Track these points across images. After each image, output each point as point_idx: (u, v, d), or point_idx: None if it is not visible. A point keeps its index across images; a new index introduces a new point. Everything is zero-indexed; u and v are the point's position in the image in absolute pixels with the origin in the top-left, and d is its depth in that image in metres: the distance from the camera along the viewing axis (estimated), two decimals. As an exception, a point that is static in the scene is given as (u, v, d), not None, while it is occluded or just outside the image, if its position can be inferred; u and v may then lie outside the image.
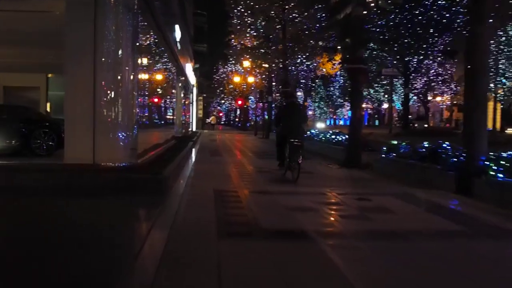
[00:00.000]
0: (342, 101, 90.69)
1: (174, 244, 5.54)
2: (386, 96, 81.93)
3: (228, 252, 5.29)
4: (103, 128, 9.89)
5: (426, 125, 52.76)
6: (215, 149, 23.98)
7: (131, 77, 10.39)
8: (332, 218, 7.53)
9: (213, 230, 6.20)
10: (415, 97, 57.90)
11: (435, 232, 6.65)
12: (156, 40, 17.59)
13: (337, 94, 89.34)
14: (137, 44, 11.72)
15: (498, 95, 40.14)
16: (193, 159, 17.70)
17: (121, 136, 10.05)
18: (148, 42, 15.92)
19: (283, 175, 12.15)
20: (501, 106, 43.41)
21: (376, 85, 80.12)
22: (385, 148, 14.87)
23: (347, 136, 19.64)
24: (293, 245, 5.76)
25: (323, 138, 22.76)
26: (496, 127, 40.71)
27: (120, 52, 10.10)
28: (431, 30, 37.31)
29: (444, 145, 12.03)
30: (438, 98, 71.30)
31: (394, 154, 14.21)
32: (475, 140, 10.59)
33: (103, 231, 6.08)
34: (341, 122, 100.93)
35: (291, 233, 6.32)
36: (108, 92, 9.98)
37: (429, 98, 68.21)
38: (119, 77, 10.11)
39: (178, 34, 20.01)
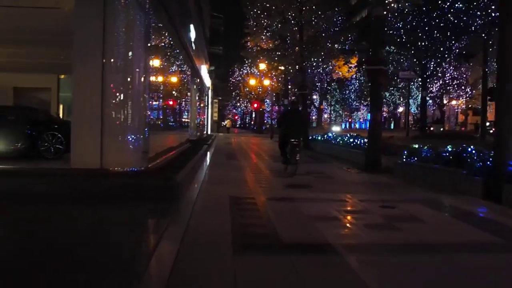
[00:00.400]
0: (358, 104, 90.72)
1: (184, 260, 5.00)
2: (401, 99, 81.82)
3: (244, 271, 4.75)
4: (111, 130, 9.39)
5: (441, 129, 51.86)
6: (230, 152, 23.45)
7: (142, 79, 9.89)
8: (357, 228, 6.95)
9: (228, 244, 5.64)
10: (430, 101, 57.07)
11: (471, 244, 6.12)
12: (171, 41, 17.10)
13: (353, 97, 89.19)
14: (149, 44, 11.27)
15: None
16: (208, 162, 17.16)
17: (130, 139, 9.55)
18: (162, 43, 15.41)
19: (285, 170, 13.74)
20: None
21: (392, 88, 79.94)
22: (406, 152, 14.27)
23: (366, 140, 19.15)
24: (317, 261, 5.22)
25: (341, 142, 22.18)
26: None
27: (130, 53, 9.57)
28: (448, 33, 36.59)
29: (469, 149, 11.45)
30: (453, 102, 70.58)
31: (416, 158, 13.64)
32: (506, 144, 9.99)
33: (105, 245, 5.52)
34: (357, 125, 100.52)
35: (314, 247, 5.77)
36: (117, 93, 9.48)
37: (445, 101, 67.49)
38: (129, 79, 9.59)
39: (193, 34, 19.55)
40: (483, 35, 32.85)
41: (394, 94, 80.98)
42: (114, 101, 9.46)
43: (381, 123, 16.71)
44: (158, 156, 12.64)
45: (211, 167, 15.72)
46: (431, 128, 48.68)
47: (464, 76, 66.75)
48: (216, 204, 8.47)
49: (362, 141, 19.49)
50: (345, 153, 20.25)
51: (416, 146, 14.32)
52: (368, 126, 16.32)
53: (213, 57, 65.58)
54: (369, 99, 21.92)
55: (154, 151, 12.64)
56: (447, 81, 65.43)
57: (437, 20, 36.13)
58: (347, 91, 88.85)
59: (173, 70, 18.29)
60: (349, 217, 7.64)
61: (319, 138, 27.73)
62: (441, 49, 36.77)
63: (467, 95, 68.05)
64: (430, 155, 13.14)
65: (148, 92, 10.40)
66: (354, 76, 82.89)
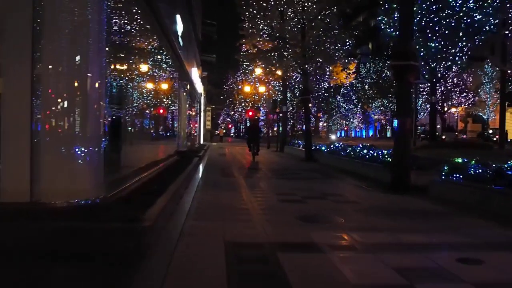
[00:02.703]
0: (354, 112, 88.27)
1: None
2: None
3: None
4: (49, 145, 6.36)
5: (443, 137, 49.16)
6: (225, 166, 20.20)
7: (97, 84, 6.81)
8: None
9: None
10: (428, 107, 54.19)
11: None
12: (146, 28, 14.03)
13: (350, 105, 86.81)
14: (114, 39, 8.34)
15: None
16: (198, 182, 13.92)
17: (79, 154, 6.48)
18: (138, 34, 12.28)
19: (252, 157, 23.36)
20: None
21: (390, 95, 77.45)
22: (446, 168, 11.31)
23: (384, 151, 16.20)
24: None
25: (352, 153, 19.15)
26: None
27: (79, 50, 6.57)
28: (460, 34, 33.85)
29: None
30: (453, 109, 68.23)
31: (461, 176, 10.68)
32: None
33: None
34: (352, 134, 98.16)
35: None
36: (59, 100, 6.45)
37: (445, 108, 64.97)
38: (76, 84, 6.55)
39: (180, 27, 16.50)
40: (507, 32, 30.21)
41: (392, 101, 78.63)
42: (54, 109, 6.43)
43: (411, 132, 13.66)
44: (132, 176, 9.62)
45: (201, 188, 12.39)
46: (443, 137, 45.91)
47: (467, 82, 64.61)
48: (205, 262, 5.39)
49: (380, 152, 16.53)
50: (359, 167, 17.28)
51: (460, 160, 11.38)
52: (394, 134, 13.32)
53: (206, 64, 63.11)
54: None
55: (127, 169, 9.65)
56: (449, 87, 63.08)
57: (447, 20, 33.39)
58: (343, 99, 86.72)
59: (157, 70, 15.04)
60: (423, 288, 4.63)
61: (324, 148, 24.70)
62: (453, 50, 33.95)
63: (470, 102, 65.77)
64: (482, 172, 10.23)
65: (104, 98, 7.25)
66: (350, 83, 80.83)
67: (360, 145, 19.75)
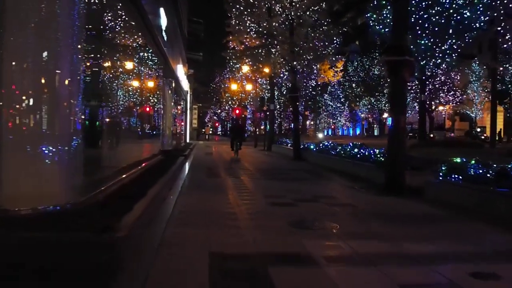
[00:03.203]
0: (341, 110, 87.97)
1: None
2: (387, 105, 78.86)
3: None
4: (11, 146, 5.69)
5: (431, 135, 48.86)
6: (211, 166, 19.47)
7: (67, 81, 6.14)
8: None
9: None
10: (417, 106, 53.80)
11: None
12: (135, 30, 13.34)
13: (337, 104, 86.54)
14: (90, 34, 7.69)
15: None
16: (182, 182, 13.24)
17: (45, 157, 5.80)
18: (119, 28, 11.57)
19: (235, 154, 25.10)
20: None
21: (377, 94, 77.15)
22: (444, 168, 10.73)
23: (376, 150, 15.62)
24: None
25: (343, 152, 18.53)
26: None
27: (47, 45, 5.92)
28: (450, 31, 33.46)
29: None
30: (440, 108, 67.99)
31: (461, 177, 10.11)
32: None
33: None
34: (339, 132, 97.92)
35: None
36: (23, 97, 5.80)
37: (433, 107, 64.66)
38: (43, 80, 5.91)
39: (164, 20, 15.72)
40: (499, 28, 29.85)
41: (380, 100, 78.34)
42: (18, 106, 5.76)
43: (405, 130, 13.06)
44: (110, 178, 8.96)
45: (185, 190, 11.68)
46: (431, 135, 45.59)
47: (455, 80, 64.35)
48: (186, 280, 4.74)
49: (371, 151, 15.94)
50: (350, 166, 16.69)
51: (459, 160, 10.79)
52: (388, 133, 12.70)
53: (193, 62, 62.44)
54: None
55: (106, 169, 8.99)
56: (437, 86, 62.78)
57: (437, 17, 32.98)
58: (330, 97, 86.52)
59: (136, 64, 14.30)
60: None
61: (313, 147, 24.04)
62: (442, 48, 33.55)
63: (458, 100, 65.51)
64: (483, 172, 9.66)
65: (77, 94, 6.56)
66: (338, 81, 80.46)
67: (351, 143, 19.12)
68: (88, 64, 8.24)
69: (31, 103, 5.86)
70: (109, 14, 10.34)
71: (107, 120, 10.48)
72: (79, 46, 6.58)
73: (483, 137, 48.43)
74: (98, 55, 9.52)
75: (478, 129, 55.62)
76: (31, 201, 5.60)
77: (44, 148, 5.81)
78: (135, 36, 13.36)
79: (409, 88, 53.28)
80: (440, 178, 10.71)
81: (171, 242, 6.17)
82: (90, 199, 6.76)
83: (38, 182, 5.82)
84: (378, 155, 15.00)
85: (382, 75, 75.98)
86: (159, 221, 7.57)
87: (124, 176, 10.19)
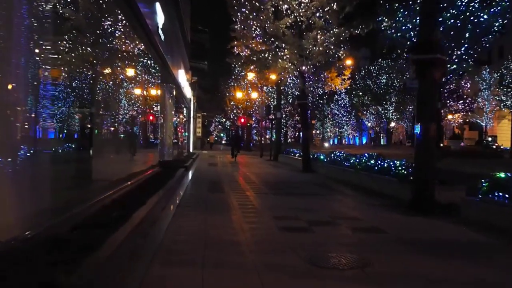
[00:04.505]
0: (347, 119, 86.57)
1: None
2: (395, 113, 77.35)
3: None
4: None
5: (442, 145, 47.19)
6: (214, 179, 17.64)
7: (10, 86, 4.65)
8: None
9: None
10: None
11: None
12: (128, 29, 11.72)
13: (343, 112, 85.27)
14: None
15: None
16: (179, 200, 11.56)
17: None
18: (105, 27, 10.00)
19: (234, 160, 30.45)
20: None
21: (384, 102, 75.71)
22: (485, 184, 9.11)
23: (397, 162, 13.98)
24: None
25: (358, 164, 16.86)
26: None
27: None
28: (467, 34, 31.90)
29: None
30: (449, 116, 66.59)
31: (507, 195, 8.49)
32: None
33: None
34: (345, 141, 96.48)
35: None
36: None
37: (442, 115, 63.19)
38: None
39: (160, 18, 14.11)
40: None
41: (387, 108, 76.89)
42: None
43: (435, 139, 11.42)
44: (88, 198, 7.38)
45: (182, 210, 9.97)
46: (441, 144, 43.99)
47: (465, 88, 63.01)
48: None
49: (391, 163, 14.30)
50: (366, 179, 15.10)
51: (503, 175, 9.15)
52: (415, 141, 11.15)
53: (198, 71, 61.30)
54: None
55: (83, 187, 7.44)
56: (446, 94, 61.36)
57: (452, 20, 31.43)
58: (336, 105, 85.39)
59: (129, 67, 12.69)
60: None
61: (323, 158, 22.36)
62: (458, 52, 32.01)
63: (469, 109, 64.03)
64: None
65: (26, 100, 5.04)
66: (344, 89, 79.06)
67: (366, 154, 17.45)
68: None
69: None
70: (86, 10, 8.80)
71: (92, 128, 8.94)
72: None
73: (494, 147, 46.90)
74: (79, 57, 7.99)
75: (489, 138, 54.01)
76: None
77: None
78: (119, 25, 11.72)
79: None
80: (480, 196, 9.11)
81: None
82: (50, 229, 5.18)
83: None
84: (399, 167, 13.38)
85: (390, 83, 74.86)
86: (143, 255, 5.94)
87: (108, 194, 8.61)
